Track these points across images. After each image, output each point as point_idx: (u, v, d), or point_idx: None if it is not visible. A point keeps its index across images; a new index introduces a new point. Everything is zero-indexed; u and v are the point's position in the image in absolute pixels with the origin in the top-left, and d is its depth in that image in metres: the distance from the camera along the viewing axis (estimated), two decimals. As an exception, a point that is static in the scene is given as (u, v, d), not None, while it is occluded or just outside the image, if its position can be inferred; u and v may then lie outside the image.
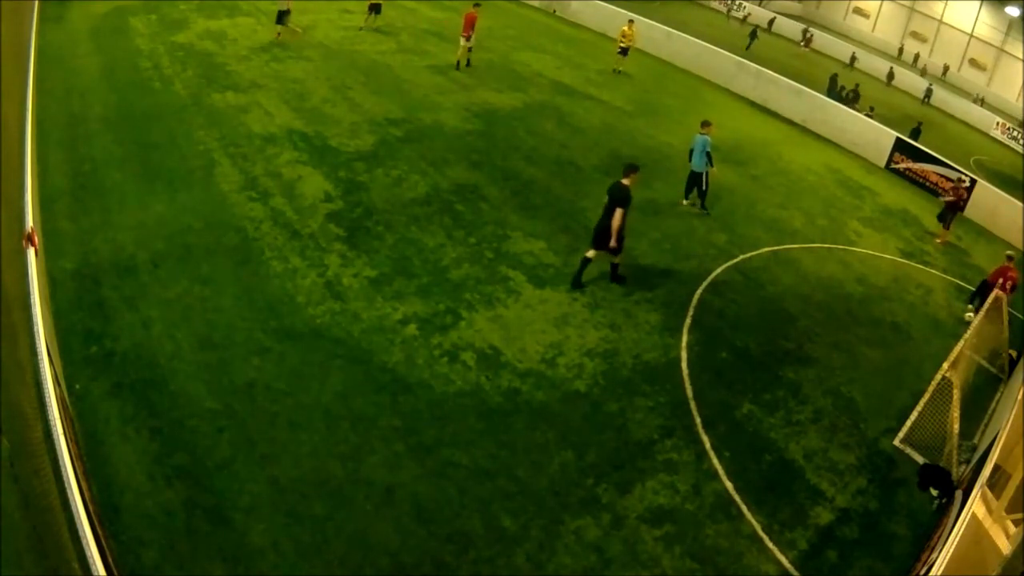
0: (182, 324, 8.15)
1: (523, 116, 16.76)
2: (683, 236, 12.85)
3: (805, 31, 38.52)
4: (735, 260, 12.53)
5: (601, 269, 11.11)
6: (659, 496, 7.40)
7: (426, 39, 20.97)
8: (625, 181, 10.33)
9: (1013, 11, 41.16)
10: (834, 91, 29.32)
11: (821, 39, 40.84)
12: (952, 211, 16.76)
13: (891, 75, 36.21)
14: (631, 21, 23.47)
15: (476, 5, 18.47)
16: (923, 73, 42.90)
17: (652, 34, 26.20)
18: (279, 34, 18.25)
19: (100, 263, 8.88)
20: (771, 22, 29.40)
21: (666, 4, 36.83)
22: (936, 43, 46.66)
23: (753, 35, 29.82)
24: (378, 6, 20.62)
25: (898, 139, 20.82)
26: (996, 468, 7.36)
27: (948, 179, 19.22)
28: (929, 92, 36.44)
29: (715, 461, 8.05)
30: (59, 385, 5.75)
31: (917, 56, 46.65)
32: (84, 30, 16.57)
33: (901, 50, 47.08)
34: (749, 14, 42.05)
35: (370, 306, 9.14)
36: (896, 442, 9.14)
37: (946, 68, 45.07)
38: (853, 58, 36.10)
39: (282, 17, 18.23)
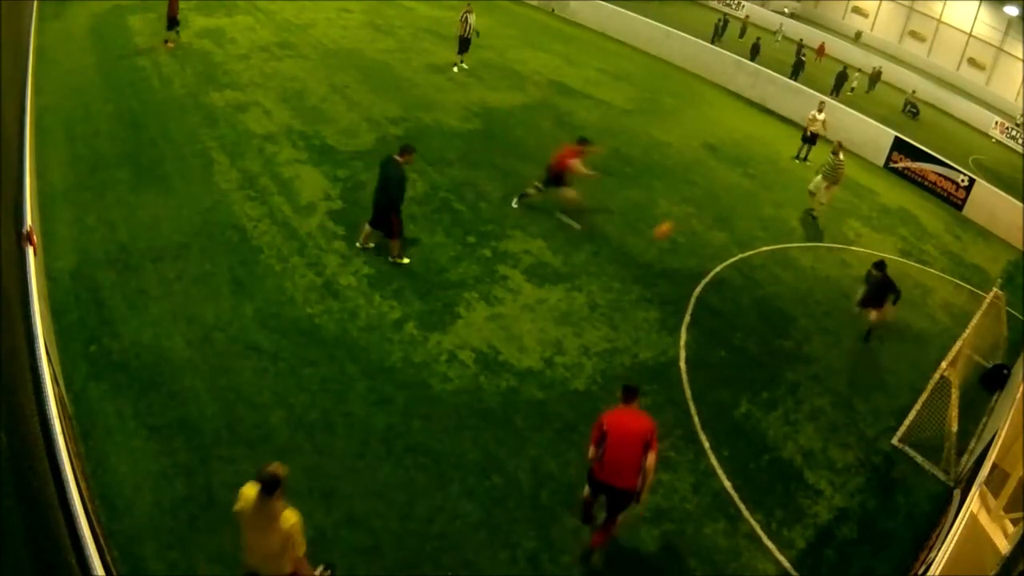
0: (180, 323, 8.14)
1: (522, 115, 16.76)
2: (681, 235, 12.85)
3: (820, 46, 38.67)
4: (733, 259, 12.54)
5: (602, 270, 11.13)
6: (657, 495, 7.40)
7: (425, 38, 20.95)
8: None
9: (1012, 10, 41.14)
10: (839, 89, 29.36)
11: (835, 45, 40.83)
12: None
13: (876, 76, 36.38)
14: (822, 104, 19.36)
15: (582, 143, 12.09)
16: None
17: (651, 33, 26.21)
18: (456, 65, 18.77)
19: (98, 262, 8.88)
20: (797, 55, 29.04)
21: (665, 3, 36.86)
22: (935, 42, 46.68)
23: (755, 50, 29.82)
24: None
25: (896, 138, 20.83)
26: (994, 467, 7.37)
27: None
28: (878, 74, 36.65)
29: (713, 460, 8.06)
30: (58, 384, 5.75)
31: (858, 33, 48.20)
32: (83, 29, 16.54)
33: (858, 35, 47.91)
34: (748, 16, 42.04)
35: (368, 305, 9.14)
36: (895, 441, 9.15)
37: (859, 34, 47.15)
38: (878, 71, 36.28)
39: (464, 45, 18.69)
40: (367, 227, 10.03)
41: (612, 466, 6.08)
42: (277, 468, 4.68)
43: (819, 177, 14.98)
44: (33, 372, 4.95)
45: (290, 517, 4.76)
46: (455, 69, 18.74)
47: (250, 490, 4.78)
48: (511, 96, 17.88)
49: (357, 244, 10.15)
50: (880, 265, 11.15)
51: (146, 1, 18.91)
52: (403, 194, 9.66)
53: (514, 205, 12.24)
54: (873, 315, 11.16)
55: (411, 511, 6.60)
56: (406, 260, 10.09)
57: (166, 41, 16.00)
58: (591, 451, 6.16)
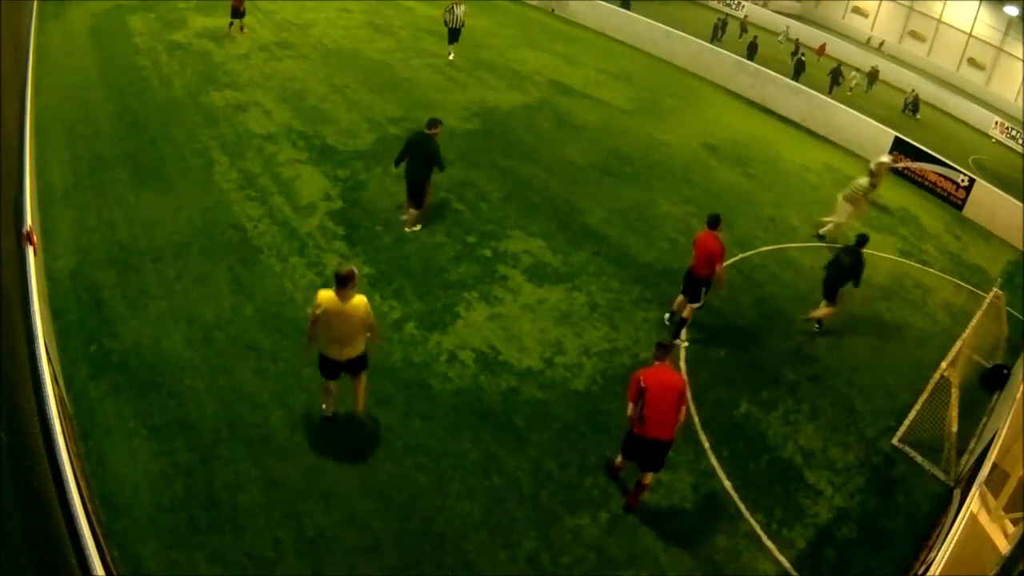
0: (180, 323, 8.14)
1: (522, 115, 16.76)
2: (681, 235, 12.84)
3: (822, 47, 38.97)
4: (733, 259, 12.52)
5: (602, 270, 11.14)
6: (657, 495, 7.40)
7: (424, 38, 20.96)
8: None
9: (1012, 10, 41.15)
10: (836, 85, 29.37)
11: (834, 45, 40.96)
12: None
13: (873, 74, 36.43)
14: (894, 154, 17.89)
15: (710, 226, 9.45)
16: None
17: (651, 33, 26.21)
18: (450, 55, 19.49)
19: (98, 262, 8.88)
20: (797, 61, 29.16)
21: (665, 3, 36.85)
22: (935, 42, 46.70)
23: (753, 48, 29.91)
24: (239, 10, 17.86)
25: (897, 138, 20.82)
26: (994, 467, 7.37)
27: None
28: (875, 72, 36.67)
29: (713, 460, 8.06)
30: (58, 384, 5.75)
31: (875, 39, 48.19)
32: (82, 29, 16.54)
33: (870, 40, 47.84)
34: (747, 15, 42.06)
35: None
36: (895, 441, 9.14)
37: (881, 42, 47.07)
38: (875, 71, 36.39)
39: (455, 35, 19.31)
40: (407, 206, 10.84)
41: (653, 419, 6.54)
42: (349, 266, 6.37)
43: (841, 199, 14.25)
44: (33, 372, 4.95)
45: (363, 299, 6.43)
46: (451, 56, 19.45)
47: (325, 292, 6.39)
48: (511, 96, 17.88)
49: (407, 229, 10.84)
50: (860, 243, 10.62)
51: (145, 0, 18.95)
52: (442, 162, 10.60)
53: (683, 344, 9.93)
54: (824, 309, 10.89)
55: (411, 511, 6.59)
56: (418, 227, 10.89)
57: (231, 26, 17.67)
58: (630, 408, 6.65)
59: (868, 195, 14.47)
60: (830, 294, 10.74)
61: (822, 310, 10.90)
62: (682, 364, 9.45)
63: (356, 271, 6.36)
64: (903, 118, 31.15)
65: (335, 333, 6.45)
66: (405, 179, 10.62)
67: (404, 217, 10.95)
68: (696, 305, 9.66)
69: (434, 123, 10.49)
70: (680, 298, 9.83)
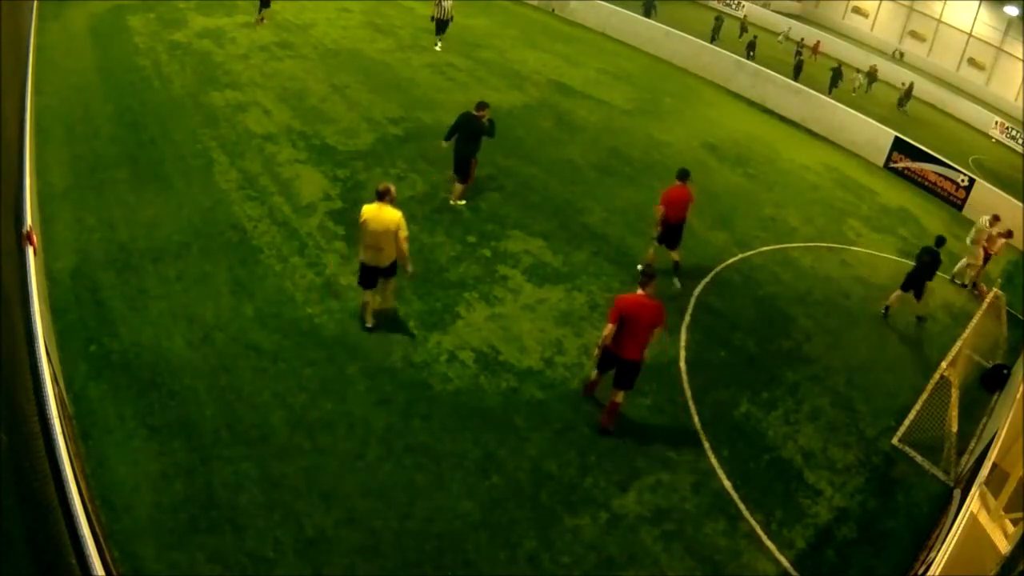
0: (180, 323, 8.15)
1: (522, 115, 16.76)
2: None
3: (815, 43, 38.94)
4: (733, 259, 12.54)
5: (602, 270, 11.13)
6: (657, 495, 7.40)
7: (424, 38, 20.94)
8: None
9: (1012, 11, 41.14)
10: (836, 86, 29.37)
11: (834, 45, 41.06)
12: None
13: (872, 75, 36.39)
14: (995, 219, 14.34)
15: (681, 179, 11.29)
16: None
17: (651, 33, 26.20)
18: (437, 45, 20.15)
19: (98, 262, 8.88)
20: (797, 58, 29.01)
21: (665, 3, 36.80)
22: (935, 42, 46.68)
23: (751, 47, 29.96)
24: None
25: (897, 138, 20.82)
26: (994, 467, 7.37)
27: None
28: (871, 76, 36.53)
29: (713, 460, 8.06)
30: (58, 384, 5.75)
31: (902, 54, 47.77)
32: (82, 29, 16.54)
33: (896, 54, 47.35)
34: (747, 15, 42.03)
35: (369, 305, 9.13)
36: (895, 441, 9.15)
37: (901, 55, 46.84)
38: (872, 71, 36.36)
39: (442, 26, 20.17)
40: (454, 180, 11.79)
41: (627, 341, 7.46)
42: (387, 183, 8.07)
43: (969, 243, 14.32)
44: (33, 372, 4.94)
45: (396, 211, 7.85)
46: (437, 48, 20.10)
47: (368, 206, 7.87)
48: (511, 96, 17.88)
49: (452, 203, 11.81)
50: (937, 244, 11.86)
51: (146, 1, 18.95)
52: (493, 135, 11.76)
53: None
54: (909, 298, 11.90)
55: (411, 511, 6.60)
56: (463, 202, 11.87)
57: (261, 19, 18.84)
58: (608, 328, 7.43)
59: (990, 243, 14.28)
60: (917, 291, 11.79)
61: (919, 307, 12.11)
62: (682, 364, 9.46)
63: (392, 187, 7.91)
64: (900, 115, 31.13)
65: (370, 240, 7.87)
66: (454, 155, 11.58)
67: (450, 193, 11.84)
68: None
69: (482, 105, 11.57)
70: (651, 251, 11.15)
